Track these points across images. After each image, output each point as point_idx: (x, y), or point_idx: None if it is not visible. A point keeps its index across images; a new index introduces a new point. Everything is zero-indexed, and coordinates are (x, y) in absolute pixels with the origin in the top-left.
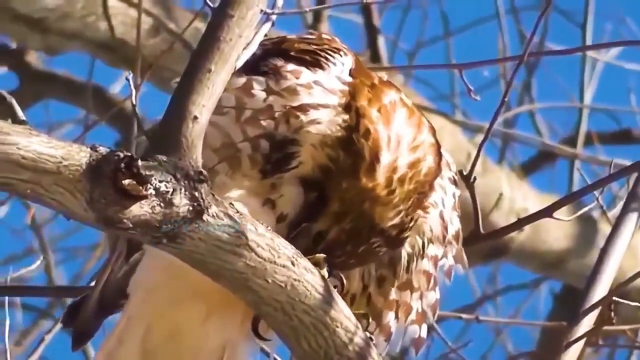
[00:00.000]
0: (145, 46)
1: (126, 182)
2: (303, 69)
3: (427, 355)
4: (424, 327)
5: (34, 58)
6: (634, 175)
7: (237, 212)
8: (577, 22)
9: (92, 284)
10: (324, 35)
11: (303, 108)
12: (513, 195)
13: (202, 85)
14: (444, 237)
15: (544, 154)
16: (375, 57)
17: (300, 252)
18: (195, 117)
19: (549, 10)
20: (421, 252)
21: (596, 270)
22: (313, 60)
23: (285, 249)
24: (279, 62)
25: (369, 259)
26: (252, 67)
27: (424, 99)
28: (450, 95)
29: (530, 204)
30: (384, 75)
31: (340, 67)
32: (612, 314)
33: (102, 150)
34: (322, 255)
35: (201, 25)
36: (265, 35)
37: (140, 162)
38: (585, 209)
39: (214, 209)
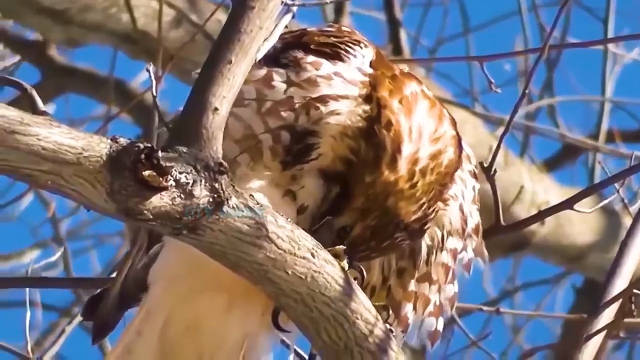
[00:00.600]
0: (168, 38)
1: (146, 173)
2: (323, 60)
3: (448, 348)
4: (441, 320)
5: (55, 52)
6: None
7: (258, 203)
8: (599, 17)
9: (113, 275)
10: (344, 28)
11: (323, 99)
12: (534, 188)
13: (223, 77)
14: (464, 230)
15: (566, 148)
16: (397, 52)
17: (323, 244)
18: (216, 109)
19: (570, 4)
20: (441, 245)
21: (616, 263)
22: (333, 52)
23: (306, 241)
24: (299, 54)
25: (392, 252)
26: (273, 59)
27: (447, 92)
28: (471, 89)
29: (551, 197)
30: (405, 68)
31: (360, 59)
32: (633, 306)
33: (123, 141)
34: (342, 247)
35: (223, 17)
36: (286, 27)
37: (160, 154)
38: (606, 201)
39: (234, 201)
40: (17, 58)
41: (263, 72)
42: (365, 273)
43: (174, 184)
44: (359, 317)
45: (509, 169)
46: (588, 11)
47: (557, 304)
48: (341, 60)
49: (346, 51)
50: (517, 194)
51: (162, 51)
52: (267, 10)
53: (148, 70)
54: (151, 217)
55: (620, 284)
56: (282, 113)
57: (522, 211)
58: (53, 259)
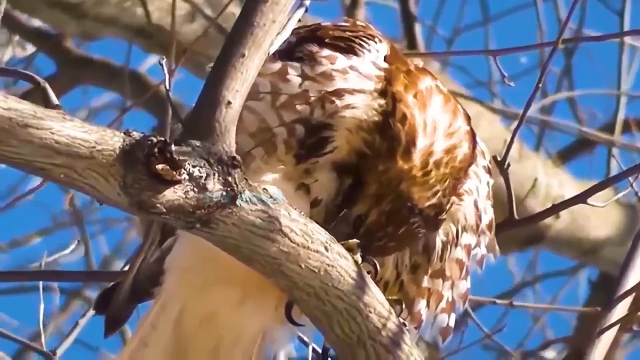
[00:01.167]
0: (182, 32)
1: (160, 167)
2: (338, 54)
3: (461, 341)
4: (453, 316)
5: (71, 43)
6: None
7: (271, 197)
8: (615, 10)
9: (126, 268)
10: (358, 22)
11: (338, 93)
12: (549, 182)
13: (236, 71)
14: (478, 226)
15: (582, 142)
16: (412, 44)
17: (341, 238)
18: (229, 102)
19: None
20: (455, 241)
21: (630, 256)
22: (348, 46)
23: (319, 234)
24: (314, 48)
25: (409, 242)
26: (287, 53)
27: (461, 86)
28: (488, 82)
29: (567, 191)
30: (420, 62)
31: (375, 54)
32: None
33: (136, 135)
34: (356, 241)
35: (237, 10)
36: (299, 22)
37: (173, 147)
38: (619, 195)
39: (247, 194)
40: (33, 49)
41: (278, 65)
42: (378, 266)
43: (187, 177)
44: (372, 311)
45: (523, 163)
46: (603, 3)
47: (576, 296)
48: (356, 54)
49: (361, 45)
50: (532, 186)
51: (175, 45)
52: (281, 4)
53: (161, 64)
54: (164, 210)
55: (634, 277)
56: (297, 107)
57: (536, 205)
58: (71, 248)
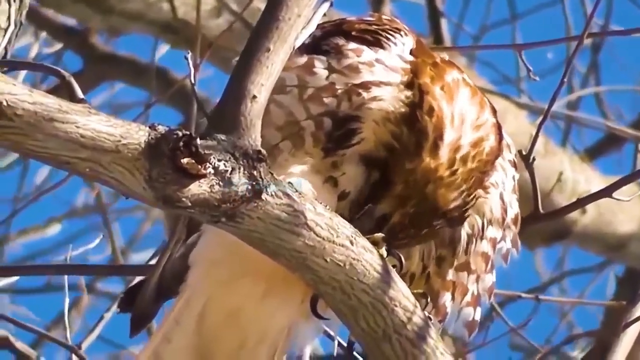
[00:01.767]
0: (208, 27)
1: (185, 160)
2: (364, 47)
3: (487, 335)
4: (478, 310)
5: (97, 40)
6: None
7: (296, 191)
8: None
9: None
10: (384, 17)
11: (365, 85)
12: (576, 178)
13: (261, 65)
14: (504, 220)
15: (610, 137)
16: (438, 41)
17: (363, 232)
18: (254, 97)
19: None
20: (481, 234)
21: None
22: (374, 39)
23: (344, 228)
24: (340, 41)
25: (431, 239)
26: (313, 47)
27: (488, 81)
28: (515, 78)
29: (593, 187)
30: (446, 56)
31: (401, 47)
32: None
33: (161, 129)
34: (381, 235)
35: (262, 5)
36: (324, 16)
37: (199, 141)
38: None
39: (272, 188)
40: (60, 45)
41: (304, 59)
42: (404, 260)
43: (212, 171)
44: (397, 305)
45: (549, 158)
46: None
47: (603, 292)
48: (382, 47)
49: (387, 39)
50: (557, 180)
51: (200, 39)
52: None
53: (186, 59)
54: (189, 204)
55: None
56: (324, 99)
57: (563, 201)
58: (96, 242)
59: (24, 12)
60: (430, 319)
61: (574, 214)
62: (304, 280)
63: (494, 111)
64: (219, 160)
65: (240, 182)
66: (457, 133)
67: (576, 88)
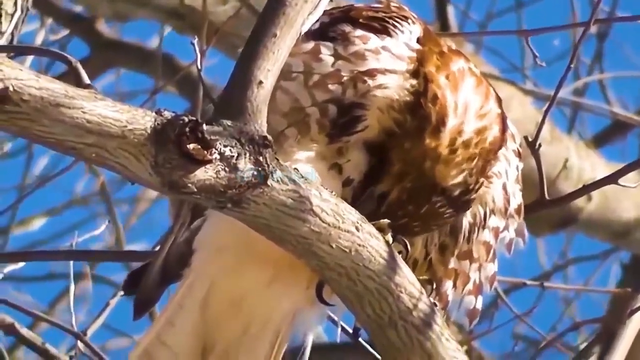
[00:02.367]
0: (215, 13)
1: (191, 146)
2: (371, 35)
3: (491, 323)
4: (480, 298)
5: (104, 26)
6: None
7: (302, 177)
8: None
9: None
10: (392, 4)
11: (371, 73)
12: (581, 164)
13: (268, 51)
14: (506, 210)
15: (616, 124)
16: (444, 27)
17: (365, 216)
18: (261, 82)
19: None
20: (483, 223)
21: None
22: (381, 27)
23: (350, 214)
24: (347, 28)
25: (434, 222)
26: (320, 33)
27: (494, 68)
28: (521, 65)
29: (599, 174)
30: (453, 44)
31: (408, 35)
32: None
33: (167, 114)
34: (387, 221)
35: None
36: (332, 1)
37: (205, 127)
38: None
39: (278, 174)
40: (66, 32)
41: (310, 45)
42: (409, 247)
43: (218, 157)
44: (403, 291)
45: (555, 145)
46: None
47: (608, 280)
48: (389, 35)
49: (394, 26)
50: (562, 166)
51: (207, 26)
52: None
53: (193, 44)
54: (195, 190)
55: None
56: (330, 86)
57: (568, 188)
58: (101, 229)
59: None
60: (436, 305)
61: (580, 201)
62: (310, 267)
63: (499, 101)
64: (225, 146)
65: (246, 167)
66: (459, 120)
67: (582, 76)
